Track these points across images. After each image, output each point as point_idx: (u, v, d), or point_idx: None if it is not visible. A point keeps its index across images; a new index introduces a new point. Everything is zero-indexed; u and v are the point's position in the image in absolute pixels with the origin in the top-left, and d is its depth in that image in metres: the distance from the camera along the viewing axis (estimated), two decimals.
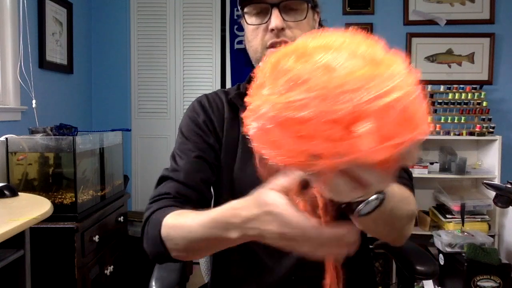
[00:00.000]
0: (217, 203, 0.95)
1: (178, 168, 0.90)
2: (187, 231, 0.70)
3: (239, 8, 0.92)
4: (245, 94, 0.95)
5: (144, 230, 0.84)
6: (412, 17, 3.01)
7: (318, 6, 0.94)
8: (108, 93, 3.15)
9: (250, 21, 0.89)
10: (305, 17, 0.88)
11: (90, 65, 3.11)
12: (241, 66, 2.99)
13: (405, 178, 0.87)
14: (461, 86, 2.89)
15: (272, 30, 0.85)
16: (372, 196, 0.52)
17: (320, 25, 0.98)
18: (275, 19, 0.84)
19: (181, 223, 0.74)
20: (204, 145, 0.92)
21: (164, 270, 1.04)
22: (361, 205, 0.53)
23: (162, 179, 0.91)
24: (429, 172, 2.76)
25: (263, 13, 0.87)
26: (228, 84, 3.08)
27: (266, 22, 0.86)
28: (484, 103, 2.84)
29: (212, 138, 0.93)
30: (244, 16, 0.90)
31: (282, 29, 0.85)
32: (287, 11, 0.86)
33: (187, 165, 0.89)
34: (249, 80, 1.00)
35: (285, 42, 0.86)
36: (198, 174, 0.88)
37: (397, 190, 0.64)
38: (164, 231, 0.76)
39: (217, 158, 0.93)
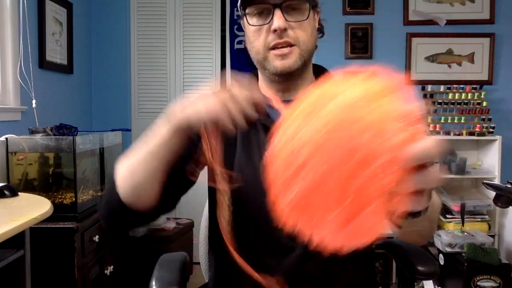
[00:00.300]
0: (216, 206, 0.95)
1: None
2: (131, 156, 0.79)
3: (239, 9, 0.92)
4: None
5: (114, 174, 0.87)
6: (412, 17, 3.01)
7: (318, 6, 0.94)
8: (108, 93, 3.15)
9: (251, 22, 0.88)
10: (307, 17, 0.87)
11: (90, 65, 3.11)
12: (241, 66, 2.99)
13: None
14: (461, 86, 2.89)
15: (275, 30, 0.85)
16: None
17: (320, 24, 0.98)
18: (278, 19, 0.84)
19: (127, 162, 0.80)
20: (192, 144, 0.92)
21: (164, 270, 1.04)
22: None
23: None
24: None
25: (265, 14, 0.86)
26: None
27: (268, 23, 0.86)
28: (484, 103, 2.84)
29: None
30: (245, 17, 0.90)
31: (285, 29, 0.85)
32: (289, 11, 0.86)
33: None
34: None
35: (288, 43, 0.86)
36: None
37: None
38: (117, 175, 0.82)
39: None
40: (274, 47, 0.87)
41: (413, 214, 0.55)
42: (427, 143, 0.44)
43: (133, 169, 0.78)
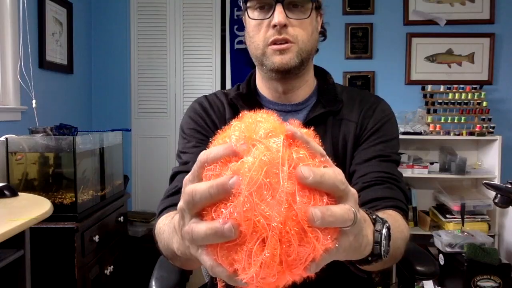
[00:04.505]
0: None
1: (185, 161, 0.91)
2: (162, 240, 0.71)
3: (240, 2, 0.91)
4: (245, 95, 0.96)
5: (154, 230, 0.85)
6: (412, 17, 3.01)
7: (322, 8, 0.93)
8: (108, 93, 3.15)
9: (252, 16, 0.88)
10: (308, 16, 0.87)
11: (90, 65, 3.11)
12: (241, 66, 2.99)
13: (399, 199, 0.83)
14: (461, 86, 2.89)
15: (275, 26, 0.85)
16: (379, 235, 0.55)
17: (323, 27, 0.97)
18: (279, 15, 0.84)
19: (161, 230, 0.73)
20: (207, 140, 0.92)
21: (164, 270, 1.04)
22: (378, 249, 0.54)
23: (172, 177, 0.92)
24: (429, 172, 2.76)
25: (266, 9, 0.86)
26: (228, 84, 3.08)
27: (269, 17, 0.86)
28: (484, 103, 2.84)
29: (213, 135, 0.94)
30: (246, 11, 0.89)
31: (285, 25, 0.85)
32: (291, 9, 0.86)
33: (194, 157, 0.89)
34: (248, 80, 1.00)
35: (286, 40, 0.86)
36: None
37: (390, 220, 0.63)
38: (156, 236, 0.77)
39: None
40: (273, 43, 0.86)
41: (369, 261, 0.55)
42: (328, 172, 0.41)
43: (170, 256, 0.72)
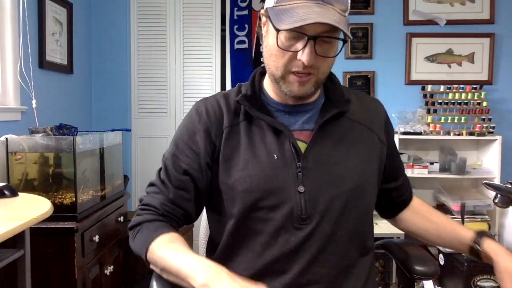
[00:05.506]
0: (217, 205, 0.95)
1: (168, 182, 0.94)
2: (163, 263, 0.84)
3: (264, 16, 0.90)
4: (250, 96, 0.95)
5: (134, 233, 0.91)
6: (412, 17, 3.01)
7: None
8: (108, 93, 3.15)
9: (280, 42, 0.85)
10: (337, 54, 0.87)
11: (90, 65, 3.11)
12: (241, 66, 2.99)
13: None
14: (461, 86, 2.89)
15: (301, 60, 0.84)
16: None
17: None
18: (309, 55, 0.82)
19: (163, 254, 0.85)
20: (194, 159, 0.93)
21: None
22: None
23: (152, 185, 0.97)
24: (429, 172, 2.76)
25: (296, 38, 0.84)
26: (228, 84, 3.08)
27: (298, 50, 0.84)
28: (484, 103, 2.84)
29: (203, 150, 0.93)
30: (271, 22, 0.86)
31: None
32: (320, 42, 0.84)
33: (176, 182, 0.93)
34: (252, 81, 0.99)
35: (309, 72, 0.86)
36: (184, 193, 0.93)
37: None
38: (150, 252, 0.86)
39: (206, 172, 0.94)
40: (295, 72, 0.87)
41: None
42: None
43: (163, 270, 0.86)
